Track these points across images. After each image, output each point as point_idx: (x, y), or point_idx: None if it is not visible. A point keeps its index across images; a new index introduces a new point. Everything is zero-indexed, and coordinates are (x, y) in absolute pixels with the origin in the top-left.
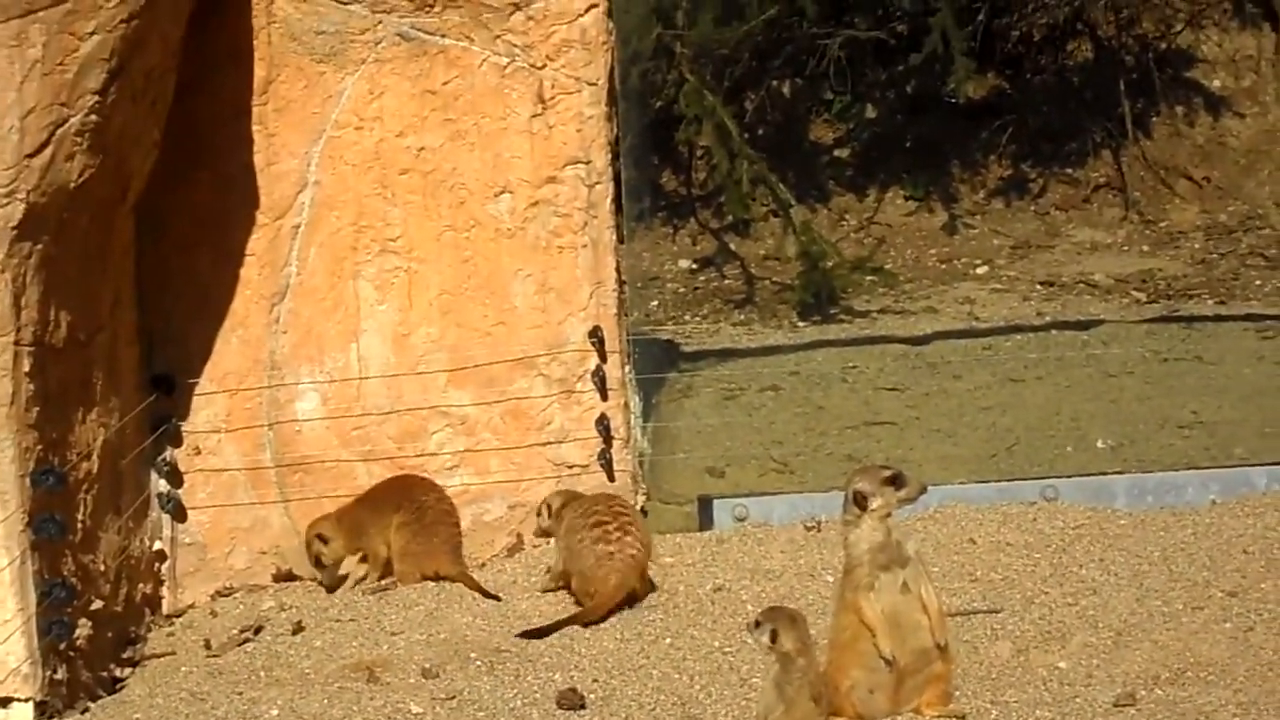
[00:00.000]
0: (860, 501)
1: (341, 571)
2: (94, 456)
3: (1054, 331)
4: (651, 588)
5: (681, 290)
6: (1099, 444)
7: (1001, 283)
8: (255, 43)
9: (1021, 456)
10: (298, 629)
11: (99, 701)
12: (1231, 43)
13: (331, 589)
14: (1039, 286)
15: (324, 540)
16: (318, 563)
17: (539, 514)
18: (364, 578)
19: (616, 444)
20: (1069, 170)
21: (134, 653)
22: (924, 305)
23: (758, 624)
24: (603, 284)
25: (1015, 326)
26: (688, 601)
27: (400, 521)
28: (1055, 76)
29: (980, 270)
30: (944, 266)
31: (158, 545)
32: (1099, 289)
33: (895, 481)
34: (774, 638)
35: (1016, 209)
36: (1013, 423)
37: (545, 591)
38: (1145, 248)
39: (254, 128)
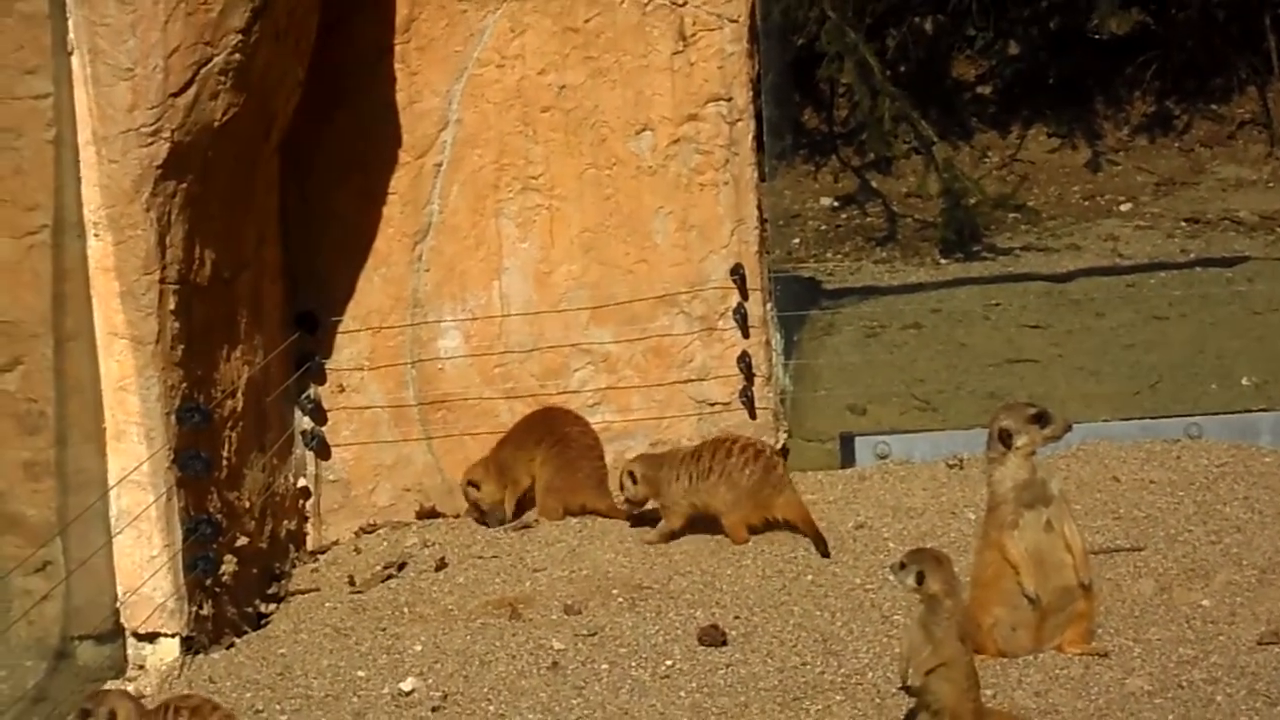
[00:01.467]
0: (1005, 439)
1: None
2: (238, 394)
3: (1198, 268)
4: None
5: (823, 228)
6: (1244, 381)
7: (1145, 220)
8: None
9: (1165, 394)
10: (441, 565)
11: (244, 637)
12: None
13: (501, 524)
14: (1183, 223)
15: (475, 486)
16: (477, 509)
17: (622, 486)
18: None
19: (758, 381)
20: (1214, 106)
21: (278, 588)
22: (1067, 242)
23: (903, 565)
24: (744, 221)
25: (1159, 264)
26: (830, 538)
27: (544, 456)
28: (1200, 11)
29: (1124, 207)
30: (1087, 203)
31: (302, 482)
32: (1244, 225)
33: (1040, 419)
34: (920, 579)
35: (1160, 145)
36: (1157, 360)
37: (650, 543)
38: None
39: (396, 66)
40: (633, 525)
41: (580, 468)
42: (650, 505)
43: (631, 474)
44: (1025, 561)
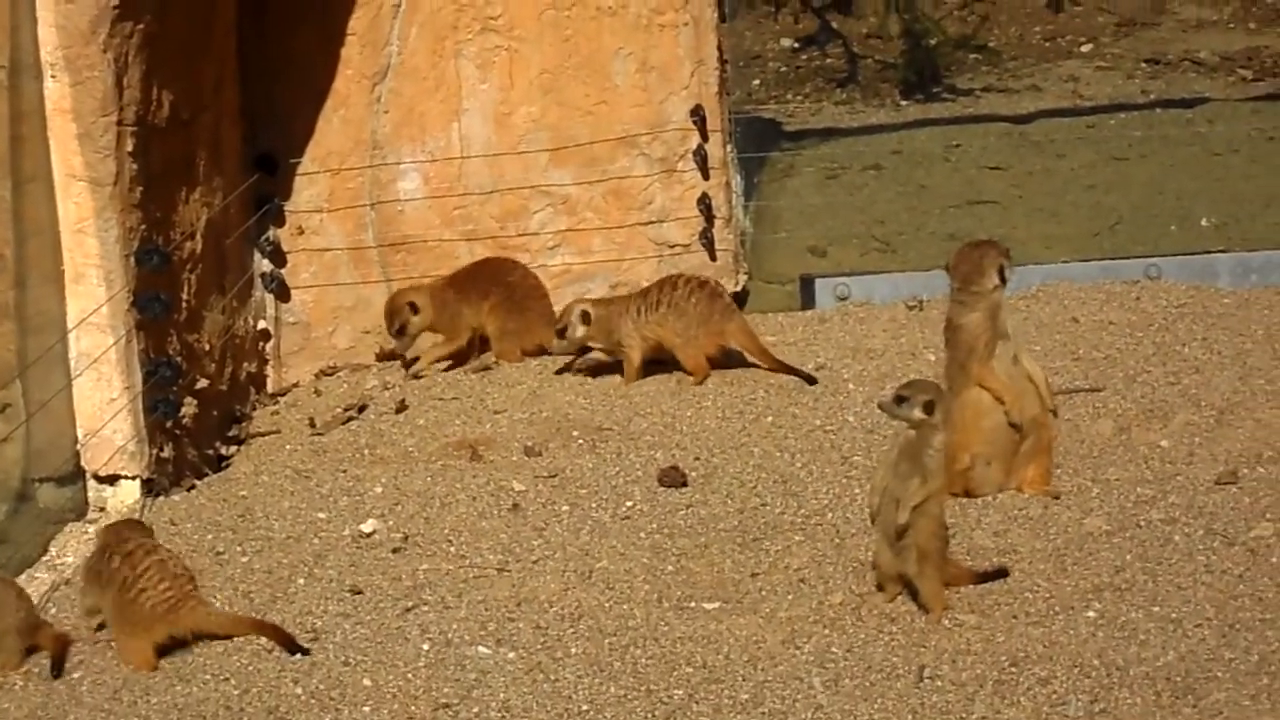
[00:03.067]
0: (1004, 275)
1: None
2: (197, 236)
3: (1159, 110)
4: None
5: (783, 69)
6: (1203, 222)
7: (1106, 60)
8: None
9: (1125, 235)
10: (401, 407)
11: (205, 479)
12: None
13: (404, 358)
14: (1144, 64)
15: (415, 309)
16: (401, 330)
17: (565, 330)
18: (441, 359)
19: (718, 223)
20: None
21: (239, 431)
22: (1028, 83)
23: (903, 399)
24: (704, 63)
25: (1120, 105)
26: (790, 379)
27: (493, 304)
28: None
29: (1085, 48)
30: (1048, 44)
31: (262, 324)
32: (1205, 66)
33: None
34: (930, 409)
35: None
36: (1117, 201)
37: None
38: (1252, 25)
39: None
40: (593, 375)
41: (530, 308)
42: (594, 355)
43: (585, 314)
44: (1010, 389)
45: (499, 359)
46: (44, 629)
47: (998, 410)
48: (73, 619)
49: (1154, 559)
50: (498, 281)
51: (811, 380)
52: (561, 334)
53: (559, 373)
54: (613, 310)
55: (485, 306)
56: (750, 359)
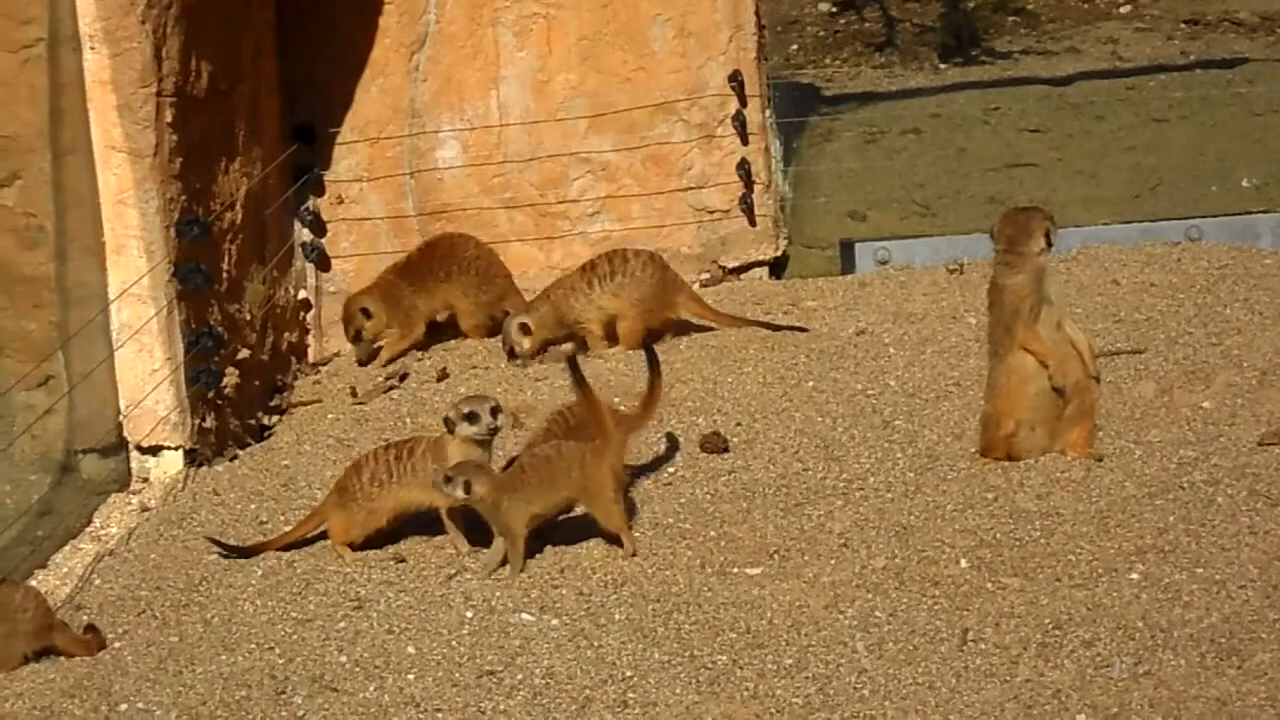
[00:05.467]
0: (1050, 239)
1: (376, 345)
2: (237, 207)
3: (1198, 70)
4: None
5: (821, 33)
6: (1244, 183)
7: (1145, 21)
8: None
9: (1165, 197)
10: (442, 376)
11: (247, 449)
12: None
13: (365, 363)
14: (1183, 25)
15: (367, 315)
16: (357, 336)
17: (513, 349)
18: (397, 355)
19: (757, 188)
20: None
21: (281, 400)
22: (1066, 45)
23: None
24: (742, 28)
25: (1159, 66)
26: (830, 345)
27: (458, 282)
28: None
29: (1123, 9)
30: (1086, 6)
31: (302, 294)
32: (1244, 27)
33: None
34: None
35: None
36: (1157, 163)
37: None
38: None
39: None
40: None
41: (496, 276)
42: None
43: (523, 326)
44: (1054, 353)
45: (470, 335)
46: (60, 632)
47: (1041, 375)
48: (116, 590)
49: (1197, 521)
50: (455, 259)
51: (800, 329)
52: (512, 354)
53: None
54: (555, 298)
55: (448, 288)
56: (708, 323)
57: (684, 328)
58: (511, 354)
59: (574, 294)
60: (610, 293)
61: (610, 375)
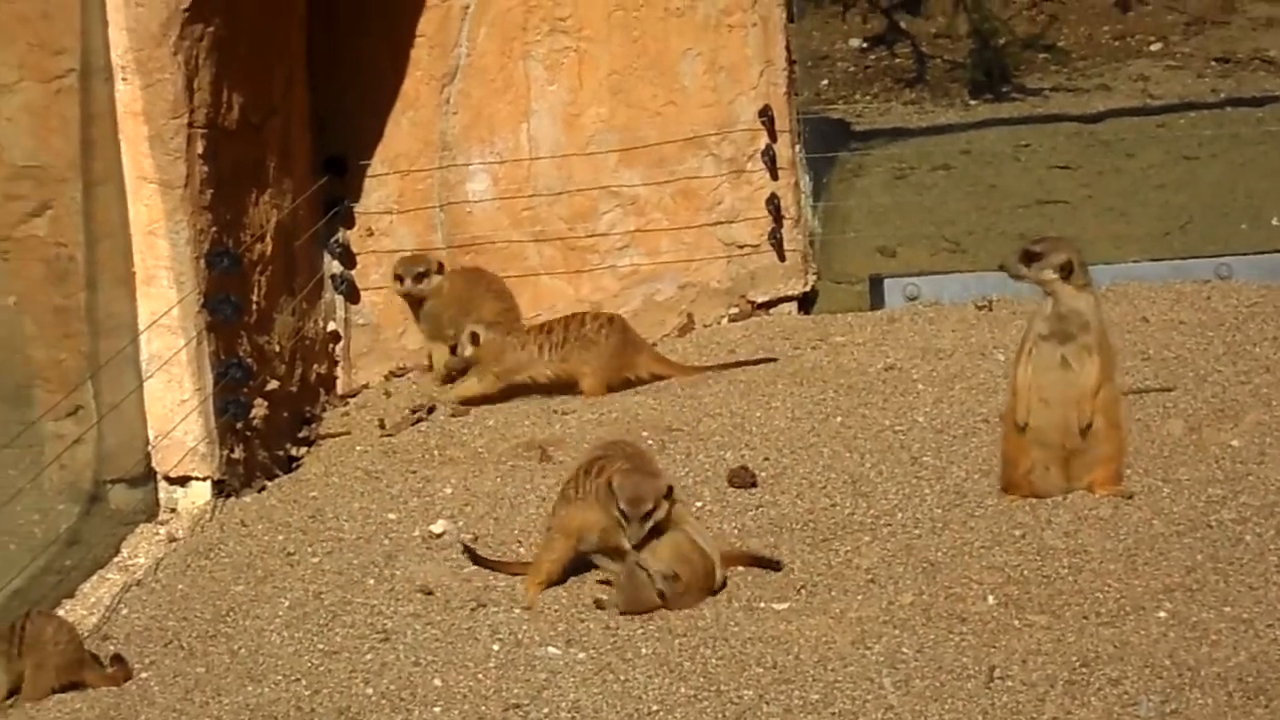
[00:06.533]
0: (1064, 269)
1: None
2: (267, 238)
3: (1229, 108)
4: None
5: (852, 69)
6: (1274, 221)
7: (1176, 59)
8: None
9: (1195, 234)
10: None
11: (275, 480)
12: None
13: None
14: (1214, 63)
15: (475, 340)
16: (453, 349)
17: (455, 347)
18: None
19: (787, 223)
20: None
21: (309, 432)
22: (1097, 83)
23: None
24: (773, 63)
25: (1190, 104)
26: (859, 380)
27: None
28: None
29: (1154, 47)
30: (1117, 43)
31: (331, 326)
32: (1275, 65)
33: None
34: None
35: None
36: (1187, 200)
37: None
38: None
39: None
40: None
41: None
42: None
43: (474, 334)
44: (1022, 390)
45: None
46: (90, 668)
47: (1039, 412)
48: (143, 620)
49: (1225, 559)
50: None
51: (769, 360)
52: (453, 350)
53: (444, 383)
54: (508, 341)
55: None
56: (674, 377)
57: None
58: (452, 350)
59: (522, 349)
60: (559, 360)
61: (639, 409)
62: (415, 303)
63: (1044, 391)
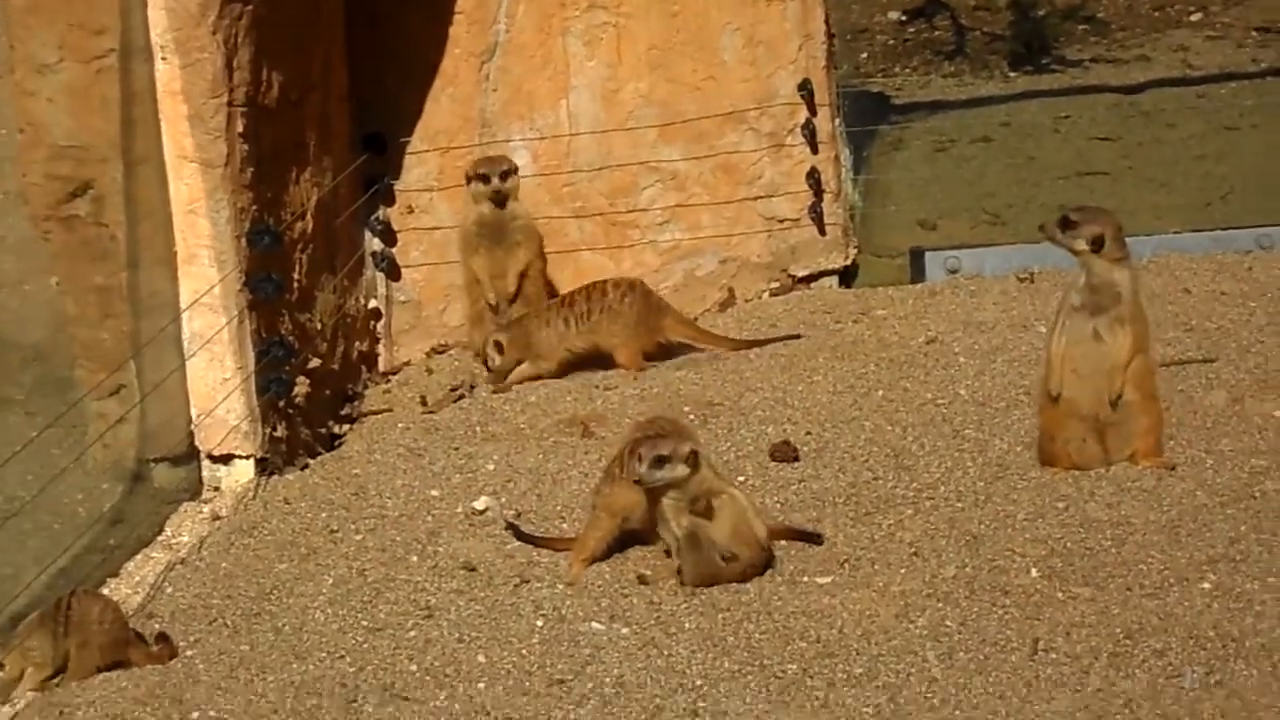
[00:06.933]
0: (1095, 241)
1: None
2: (308, 216)
3: (1269, 78)
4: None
5: (891, 42)
6: None
7: (1216, 29)
8: None
9: (1237, 205)
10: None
11: (318, 458)
12: None
13: (501, 390)
14: (1254, 33)
15: (500, 349)
16: (487, 365)
17: (488, 361)
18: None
19: (827, 197)
20: None
21: (351, 410)
22: (1137, 53)
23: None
24: (811, 36)
25: (1230, 74)
26: (900, 354)
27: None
28: None
29: (1194, 17)
30: (1157, 14)
31: (373, 303)
32: None
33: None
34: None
35: None
36: (1228, 171)
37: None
38: None
39: None
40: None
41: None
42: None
43: (497, 344)
44: (1055, 361)
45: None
46: (135, 647)
47: (1072, 384)
48: (188, 599)
49: (1269, 530)
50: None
51: (794, 337)
52: (488, 367)
53: (495, 391)
54: (529, 325)
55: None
56: (702, 347)
57: (753, 335)
58: (487, 366)
59: (547, 328)
60: (588, 330)
61: (680, 384)
62: (500, 205)
63: (1076, 363)
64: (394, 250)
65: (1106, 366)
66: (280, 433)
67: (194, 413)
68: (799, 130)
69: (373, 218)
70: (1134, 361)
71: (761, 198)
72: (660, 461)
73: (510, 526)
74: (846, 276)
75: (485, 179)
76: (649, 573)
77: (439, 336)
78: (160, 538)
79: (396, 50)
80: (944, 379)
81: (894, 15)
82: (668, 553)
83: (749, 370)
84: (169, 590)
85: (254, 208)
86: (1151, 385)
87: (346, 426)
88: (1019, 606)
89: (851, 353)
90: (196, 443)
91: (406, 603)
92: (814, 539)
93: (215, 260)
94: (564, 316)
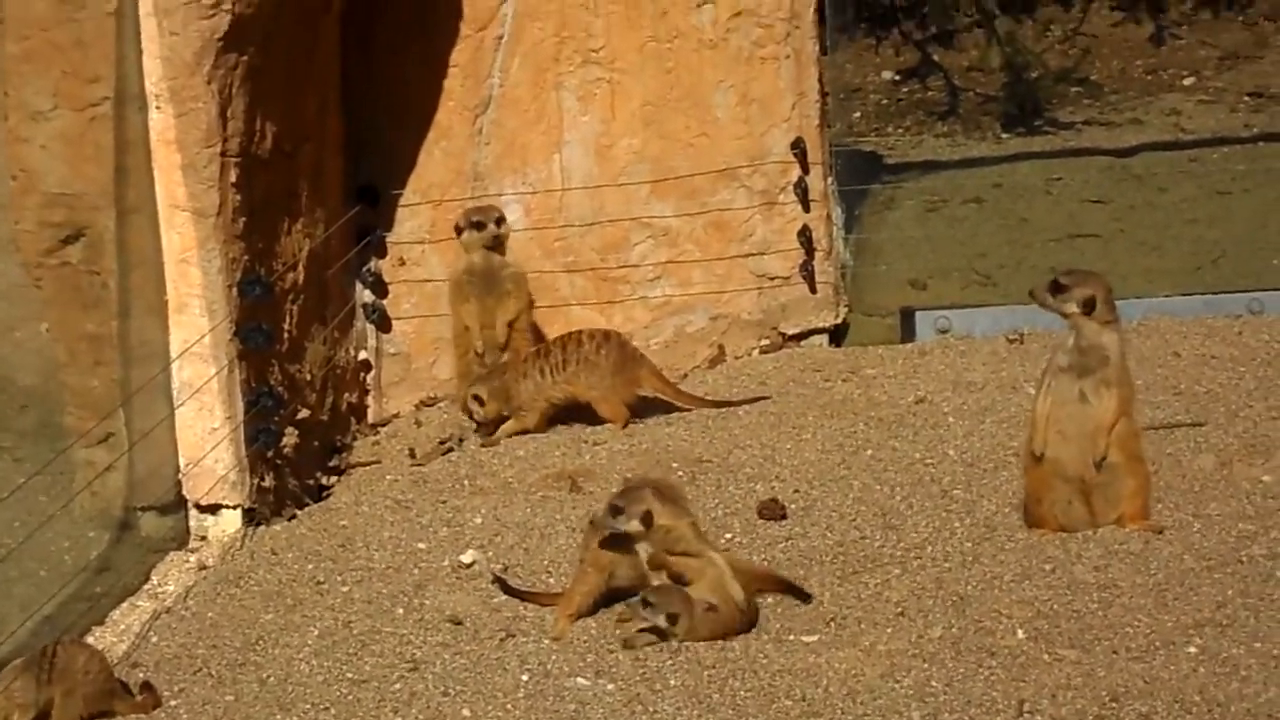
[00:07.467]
0: (1086, 304)
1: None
2: (300, 267)
3: (1262, 143)
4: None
5: (884, 101)
6: None
7: (1209, 94)
8: None
9: (1227, 269)
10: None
11: (305, 509)
12: None
13: (489, 444)
14: (1247, 98)
15: (480, 401)
16: (470, 417)
17: (470, 413)
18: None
19: (818, 255)
20: None
21: (340, 461)
22: (1129, 117)
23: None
24: (805, 95)
25: (1222, 138)
26: (889, 413)
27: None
28: None
29: (1187, 81)
30: (1150, 77)
31: (363, 355)
32: None
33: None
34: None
35: (1224, 19)
36: (1219, 235)
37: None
38: None
39: None
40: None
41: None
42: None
43: (476, 397)
44: (1039, 421)
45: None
46: (120, 699)
47: (1057, 445)
48: (173, 648)
49: (1256, 594)
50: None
51: (763, 398)
52: (471, 418)
53: (483, 445)
54: (507, 378)
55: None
56: (671, 402)
57: (742, 394)
58: (471, 418)
59: (524, 379)
60: (565, 381)
61: (669, 441)
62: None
63: (1061, 424)
64: (385, 302)
65: (1091, 429)
66: (268, 483)
67: (182, 462)
68: (791, 188)
69: (364, 269)
70: (1119, 424)
71: (753, 255)
72: (615, 511)
73: (497, 580)
74: (837, 335)
75: (480, 226)
76: (622, 632)
77: (428, 389)
78: (146, 586)
79: (391, 102)
80: (933, 439)
81: (888, 75)
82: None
83: (738, 427)
84: (154, 639)
85: (246, 258)
86: (1137, 448)
87: (334, 478)
88: (1005, 668)
89: (840, 411)
90: (184, 492)
91: (392, 655)
92: (803, 596)
93: (206, 309)
94: (540, 367)
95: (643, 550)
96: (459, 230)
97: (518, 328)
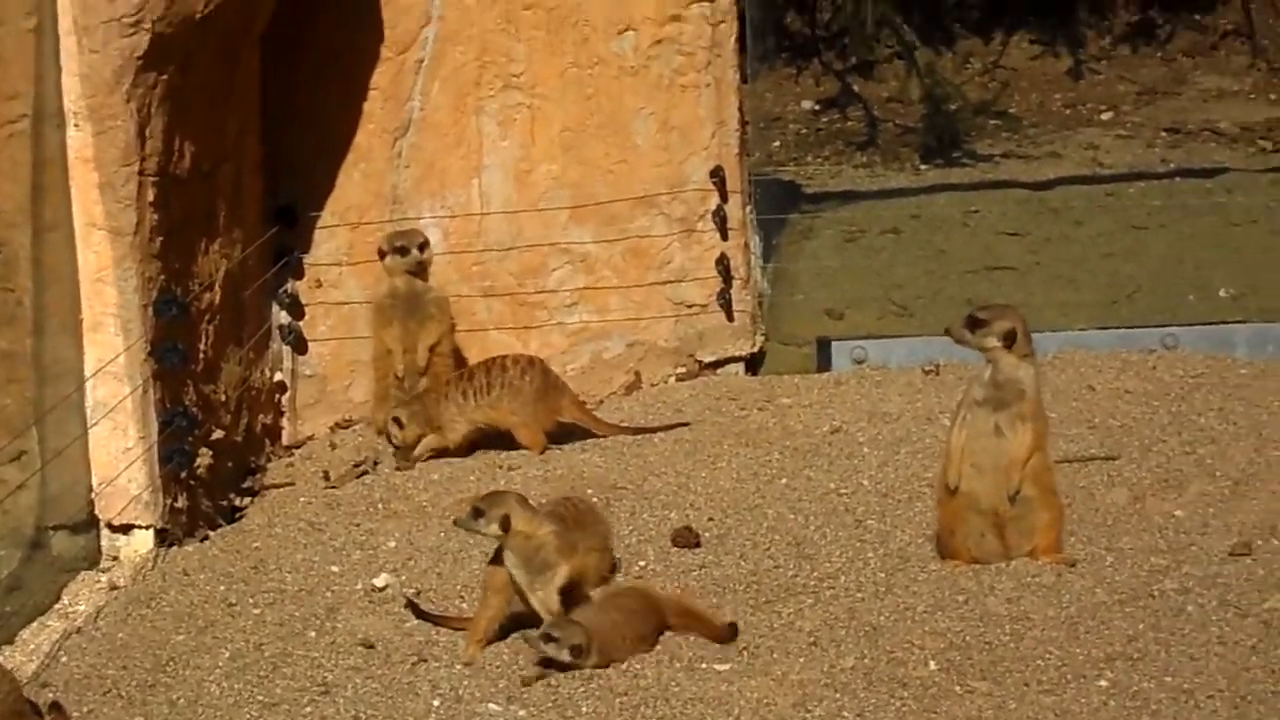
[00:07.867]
0: (1006, 337)
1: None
2: (216, 287)
3: (1178, 179)
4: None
5: (804, 131)
6: (1221, 293)
7: (1126, 129)
8: None
9: (1143, 304)
10: (416, 462)
11: (218, 530)
12: None
13: (405, 468)
14: (1164, 133)
15: (400, 424)
16: (390, 440)
17: (390, 436)
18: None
19: (736, 284)
20: (1196, 16)
21: (253, 482)
22: (1047, 150)
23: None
24: (725, 124)
25: (1139, 173)
26: (804, 442)
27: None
28: None
29: (1105, 116)
30: (1068, 111)
31: (278, 377)
32: (1224, 137)
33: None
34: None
35: (1143, 55)
36: (1135, 270)
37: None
38: (1272, 96)
39: None
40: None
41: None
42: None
43: (396, 419)
44: (954, 454)
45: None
46: (28, 717)
47: (971, 478)
48: (83, 668)
49: (1167, 629)
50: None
51: (683, 425)
52: (391, 442)
53: (399, 469)
54: (429, 400)
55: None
56: (589, 428)
57: (657, 420)
58: (391, 442)
59: (446, 401)
60: (487, 405)
61: (584, 467)
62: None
63: (976, 457)
64: (301, 324)
65: (1005, 463)
66: (181, 504)
67: (95, 481)
68: (710, 216)
69: (281, 290)
70: (1033, 458)
71: (670, 282)
72: (477, 514)
73: (410, 604)
74: (753, 364)
75: (404, 251)
76: (529, 671)
77: (343, 411)
78: (57, 606)
79: (310, 124)
80: (847, 469)
81: (807, 105)
82: None
83: (653, 455)
84: (64, 659)
85: (162, 277)
86: (1050, 481)
87: (248, 499)
88: (916, 699)
89: (755, 440)
90: (96, 511)
91: (303, 679)
92: (722, 639)
93: (121, 329)
94: (463, 390)
95: (510, 562)
96: (382, 254)
97: (439, 352)
